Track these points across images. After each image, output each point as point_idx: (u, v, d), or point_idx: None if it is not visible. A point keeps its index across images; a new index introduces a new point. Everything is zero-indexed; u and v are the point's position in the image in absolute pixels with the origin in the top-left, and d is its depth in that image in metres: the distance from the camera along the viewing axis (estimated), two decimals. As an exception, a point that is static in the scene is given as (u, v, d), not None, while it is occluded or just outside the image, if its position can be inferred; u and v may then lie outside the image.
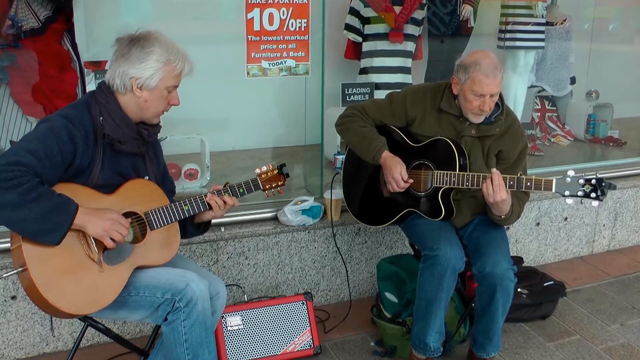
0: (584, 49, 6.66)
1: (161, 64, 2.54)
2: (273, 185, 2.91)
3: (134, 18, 4.86)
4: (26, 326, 3.49)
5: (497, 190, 3.04)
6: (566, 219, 4.85)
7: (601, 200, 2.98)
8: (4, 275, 2.65)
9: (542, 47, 5.78)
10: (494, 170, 3.06)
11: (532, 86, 6.08)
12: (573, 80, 6.31)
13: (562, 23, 6.07)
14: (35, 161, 2.33)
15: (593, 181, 2.96)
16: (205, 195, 2.79)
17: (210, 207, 2.81)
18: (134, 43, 2.55)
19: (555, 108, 6.54)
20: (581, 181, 2.98)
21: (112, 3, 4.71)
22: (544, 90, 6.26)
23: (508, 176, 3.07)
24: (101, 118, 2.54)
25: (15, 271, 2.42)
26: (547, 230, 4.81)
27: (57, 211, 2.35)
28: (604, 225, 5.06)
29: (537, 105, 6.48)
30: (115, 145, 2.58)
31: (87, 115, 2.54)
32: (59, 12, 4.20)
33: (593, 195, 2.96)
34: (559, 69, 6.14)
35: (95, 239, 2.47)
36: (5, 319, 3.44)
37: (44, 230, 2.35)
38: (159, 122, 2.74)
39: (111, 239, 2.46)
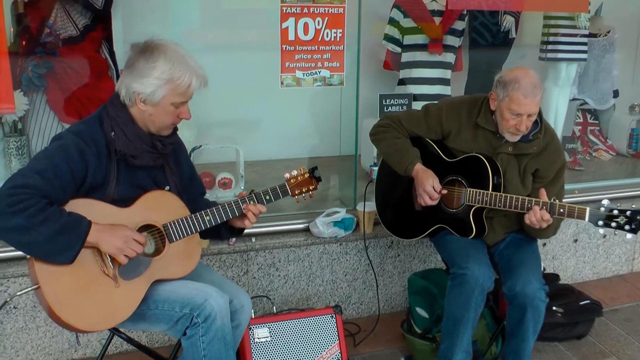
0: (629, 62, 6.51)
1: (163, 81, 2.45)
2: (303, 190, 2.80)
3: (169, 25, 4.89)
4: (55, 332, 3.52)
5: (540, 221, 2.99)
6: (605, 236, 4.72)
7: (635, 234, 2.87)
8: (18, 293, 2.62)
9: (585, 59, 5.67)
10: (536, 208, 2.99)
11: (574, 99, 5.96)
12: (616, 94, 6.18)
13: (605, 35, 5.94)
14: (42, 182, 2.29)
15: (628, 213, 2.86)
16: (229, 205, 2.71)
17: (237, 215, 2.73)
18: (141, 54, 2.47)
19: (597, 122, 6.41)
20: (615, 212, 2.89)
21: (149, 11, 4.75)
22: (586, 103, 6.14)
23: (542, 200, 2.99)
24: (112, 133, 2.48)
25: (28, 289, 2.42)
26: (586, 247, 4.70)
27: (67, 231, 2.31)
28: (645, 243, 4.93)
29: (579, 118, 6.35)
30: (128, 160, 2.52)
31: (99, 130, 2.48)
32: (97, 21, 4.23)
33: (627, 227, 2.86)
34: (601, 82, 6.03)
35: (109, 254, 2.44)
36: (35, 324, 3.48)
37: (55, 251, 2.33)
38: (175, 130, 2.68)
39: (125, 256, 2.43)
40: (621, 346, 3.90)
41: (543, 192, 3.03)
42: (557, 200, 2.98)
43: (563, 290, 4.10)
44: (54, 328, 3.50)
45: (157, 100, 2.48)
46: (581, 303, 3.99)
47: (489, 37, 5.58)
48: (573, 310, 3.93)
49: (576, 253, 4.68)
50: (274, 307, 3.70)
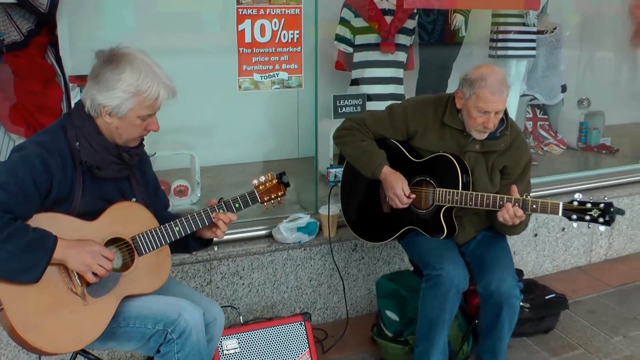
0: (573, 57, 6.62)
1: (129, 94, 2.34)
2: (272, 196, 2.71)
3: (119, 30, 4.74)
4: (11, 355, 3.34)
5: (513, 217, 2.97)
6: (564, 229, 4.77)
7: (609, 226, 2.87)
8: None
9: (534, 56, 5.71)
10: (508, 205, 2.97)
11: (523, 95, 6.02)
12: (564, 89, 6.27)
13: (552, 31, 6.02)
14: (5, 196, 2.17)
15: (601, 205, 2.86)
16: (198, 214, 2.61)
17: (207, 224, 2.63)
18: (106, 64, 2.35)
19: (546, 116, 6.50)
20: (588, 205, 2.89)
21: (97, 15, 4.59)
22: (535, 98, 6.21)
23: (514, 197, 2.98)
24: (77, 143, 2.37)
25: None
26: (545, 241, 4.74)
27: (32, 248, 2.19)
28: (600, 234, 4.99)
29: (529, 113, 6.42)
30: (94, 172, 2.41)
31: (63, 140, 2.37)
32: (42, 25, 4.04)
33: (601, 220, 2.86)
34: (549, 77, 6.10)
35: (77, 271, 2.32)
36: (-11, 348, 3.30)
37: (20, 269, 2.19)
38: (142, 141, 2.56)
39: (94, 273, 2.31)
40: (588, 338, 3.93)
41: (514, 188, 3.01)
42: (529, 196, 2.97)
43: (528, 285, 4.11)
44: (9, 352, 3.32)
45: (124, 114, 2.37)
46: (547, 297, 4.02)
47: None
48: (539, 304, 3.94)
49: (536, 247, 4.71)
50: (241, 317, 3.60)
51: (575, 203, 2.90)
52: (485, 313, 3.21)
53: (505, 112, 3.19)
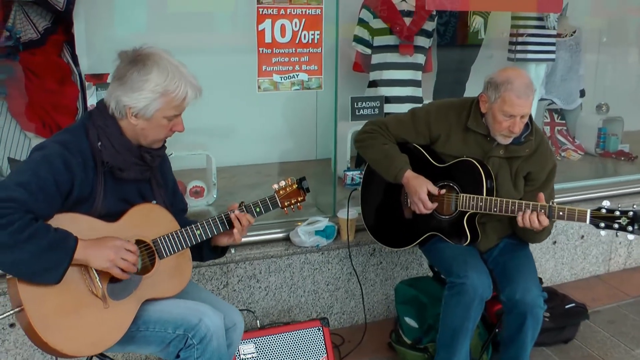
0: (592, 61, 6.55)
1: (157, 95, 2.30)
2: (292, 201, 2.69)
3: (136, 29, 4.70)
4: (26, 355, 3.30)
5: (539, 224, 2.91)
6: (583, 236, 4.70)
7: (639, 235, 2.80)
8: (0, 317, 2.42)
9: (553, 60, 5.66)
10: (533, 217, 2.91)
11: (541, 99, 5.95)
12: (583, 93, 6.20)
13: (571, 34, 5.96)
14: (27, 195, 2.12)
15: (630, 214, 2.79)
16: (219, 217, 2.57)
17: (227, 229, 2.59)
18: (132, 65, 2.31)
19: (564, 121, 6.42)
20: (617, 213, 2.81)
21: (114, 14, 4.56)
22: (553, 103, 6.13)
23: (539, 204, 2.91)
24: (99, 143, 2.33)
25: (10, 312, 2.24)
26: (564, 248, 4.66)
27: (53, 249, 2.14)
28: (620, 242, 4.91)
29: (546, 118, 6.34)
30: (115, 173, 2.37)
31: (84, 140, 2.32)
32: (58, 23, 4.03)
33: (630, 228, 2.78)
34: (568, 82, 6.05)
35: (98, 273, 2.27)
36: (4, 348, 3.25)
37: (41, 270, 2.15)
38: (164, 144, 2.52)
39: (120, 269, 2.26)
40: (608, 349, 3.85)
41: (542, 195, 2.94)
42: (555, 203, 2.91)
43: (547, 294, 4.02)
44: (24, 351, 3.28)
45: (150, 115, 2.33)
46: (567, 306, 3.94)
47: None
48: (559, 314, 3.88)
49: (555, 255, 4.64)
50: (258, 321, 3.55)
51: (604, 210, 2.83)
52: (509, 322, 3.14)
53: (530, 117, 3.13)
